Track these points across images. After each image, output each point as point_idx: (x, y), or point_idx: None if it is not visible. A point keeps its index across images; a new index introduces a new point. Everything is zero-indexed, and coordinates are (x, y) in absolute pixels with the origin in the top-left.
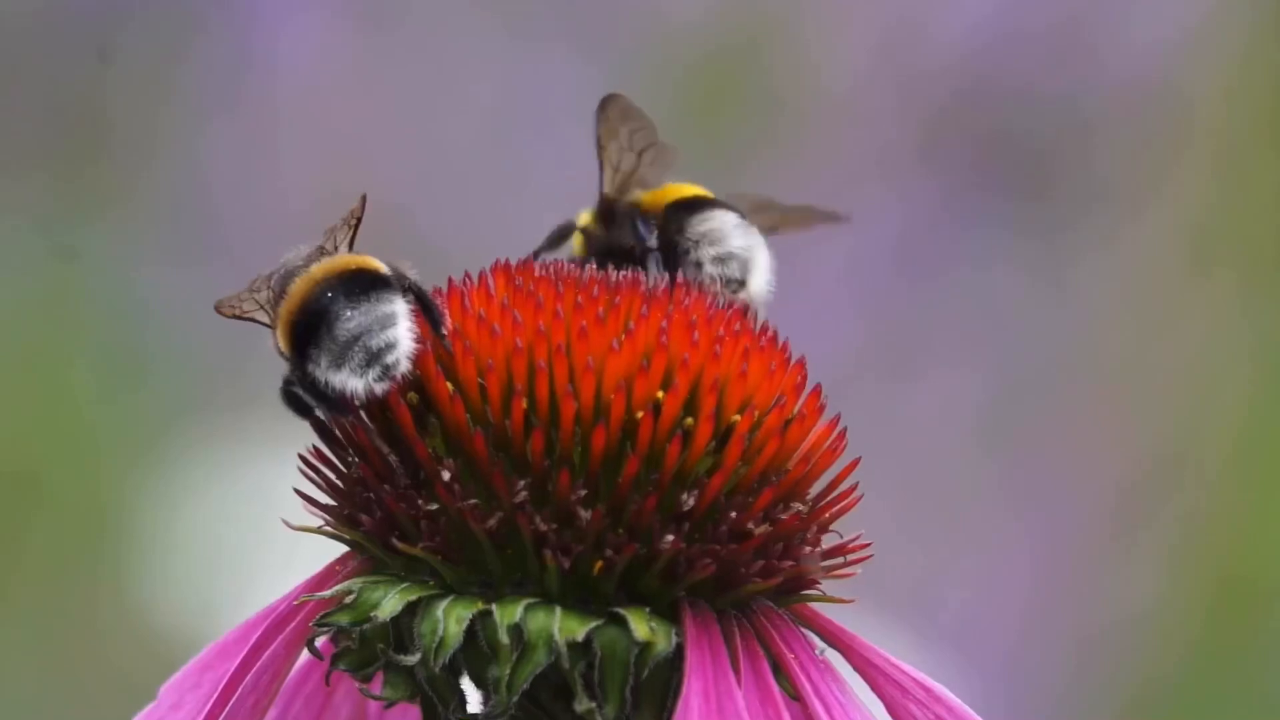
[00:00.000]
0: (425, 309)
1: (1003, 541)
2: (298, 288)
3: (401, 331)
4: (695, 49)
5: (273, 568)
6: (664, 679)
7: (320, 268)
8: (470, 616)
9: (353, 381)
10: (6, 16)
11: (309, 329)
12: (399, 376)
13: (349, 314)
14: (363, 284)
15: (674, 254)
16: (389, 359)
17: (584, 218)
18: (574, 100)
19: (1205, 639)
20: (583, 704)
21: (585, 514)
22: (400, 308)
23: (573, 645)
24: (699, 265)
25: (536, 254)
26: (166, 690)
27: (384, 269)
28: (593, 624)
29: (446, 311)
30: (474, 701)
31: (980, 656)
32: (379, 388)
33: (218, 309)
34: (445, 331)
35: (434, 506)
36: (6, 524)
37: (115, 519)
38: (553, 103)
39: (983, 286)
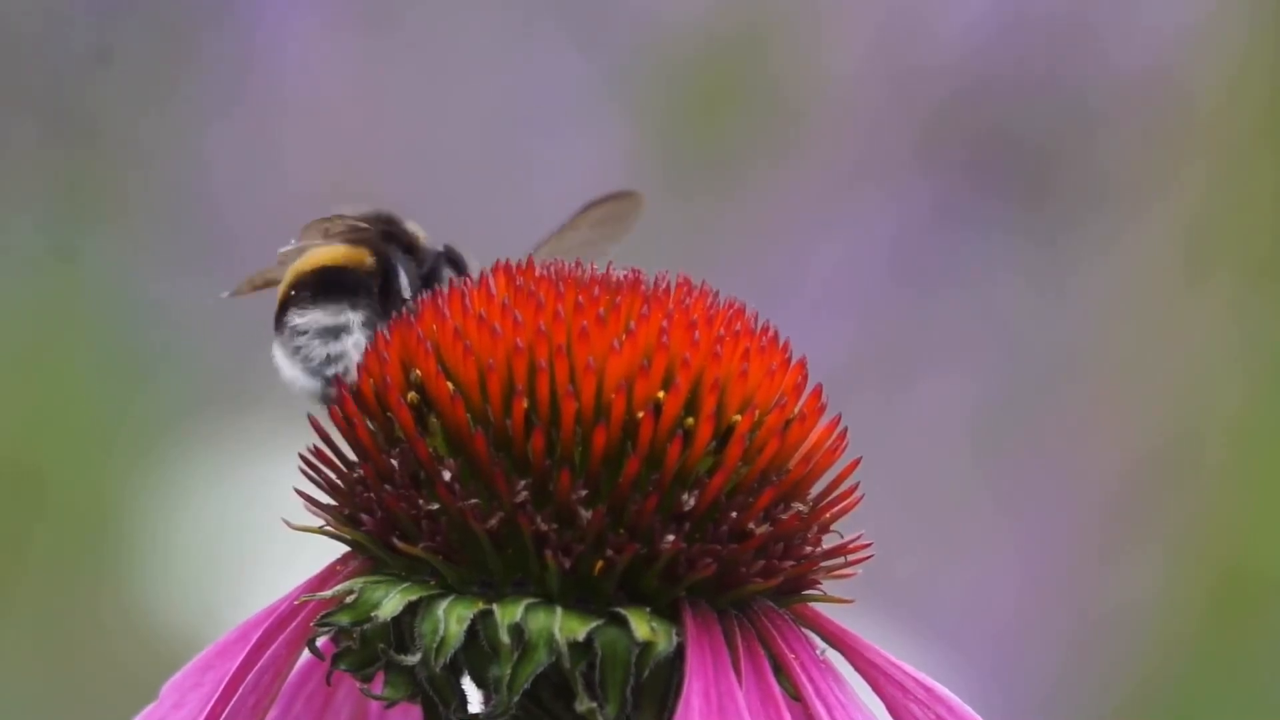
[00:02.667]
0: (389, 282)
1: (1002, 542)
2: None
3: (348, 345)
4: (693, 49)
5: (274, 567)
6: (665, 679)
7: (297, 262)
8: (471, 616)
9: (306, 381)
10: (6, 17)
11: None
12: (348, 383)
13: (297, 321)
14: (316, 287)
15: None
16: (329, 371)
17: None
18: (574, 100)
19: (1203, 639)
20: (584, 704)
21: (586, 514)
22: (350, 318)
23: (574, 645)
24: None
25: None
26: (168, 689)
27: (355, 262)
28: (593, 624)
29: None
30: (475, 701)
31: (979, 656)
32: (329, 393)
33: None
34: (406, 308)
35: (435, 506)
36: (8, 524)
37: (117, 519)
38: (553, 103)
39: (980, 288)
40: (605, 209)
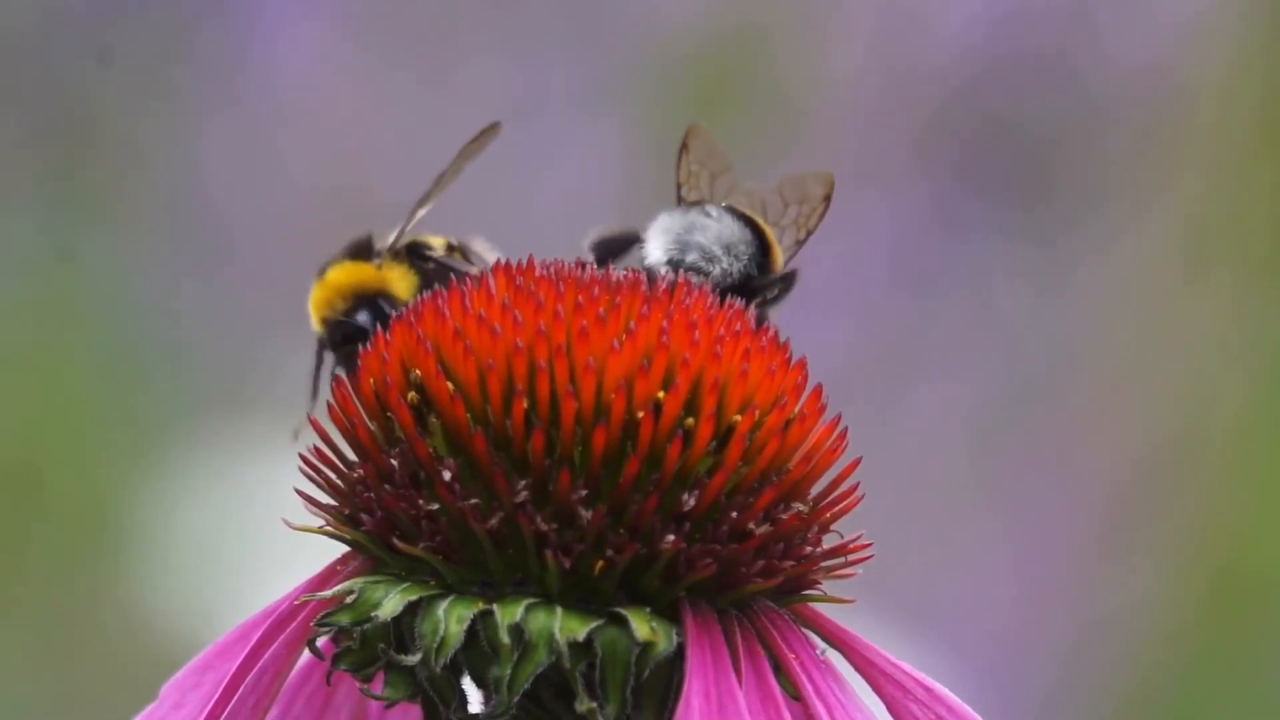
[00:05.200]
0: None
1: (1002, 542)
2: None
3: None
4: (692, 49)
5: (273, 568)
6: (665, 679)
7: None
8: (471, 616)
9: None
10: (5, 17)
11: None
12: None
13: None
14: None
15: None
16: None
17: None
18: (574, 100)
19: (1203, 639)
20: (584, 704)
21: (586, 514)
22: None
23: (574, 645)
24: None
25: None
26: (168, 689)
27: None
28: (594, 624)
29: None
30: (475, 701)
31: (979, 656)
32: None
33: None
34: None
35: (435, 506)
36: (7, 524)
37: (116, 519)
38: (552, 103)
39: (980, 288)
40: (478, 143)
